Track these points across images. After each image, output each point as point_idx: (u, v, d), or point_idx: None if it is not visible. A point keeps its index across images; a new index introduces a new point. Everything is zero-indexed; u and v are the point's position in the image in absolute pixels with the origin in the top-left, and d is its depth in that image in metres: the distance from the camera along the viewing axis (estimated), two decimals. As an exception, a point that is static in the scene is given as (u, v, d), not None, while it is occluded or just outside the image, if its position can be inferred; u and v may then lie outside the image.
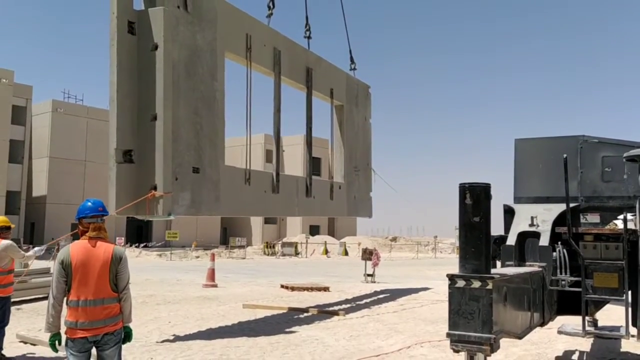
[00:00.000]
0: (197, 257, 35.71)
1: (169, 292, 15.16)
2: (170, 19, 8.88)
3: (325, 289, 16.10)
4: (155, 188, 8.57)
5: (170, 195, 8.69)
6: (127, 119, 8.68)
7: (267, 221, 51.20)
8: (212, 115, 9.92)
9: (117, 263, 4.33)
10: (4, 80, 37.55)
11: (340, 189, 14.60)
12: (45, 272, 16.08)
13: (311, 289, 15.97)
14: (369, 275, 19.29)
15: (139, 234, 47.43)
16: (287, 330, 9.59)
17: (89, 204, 4.48)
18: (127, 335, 4.48)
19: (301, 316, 11.23)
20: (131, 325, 4.53)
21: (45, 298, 13.37)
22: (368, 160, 16.70)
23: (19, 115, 39.56)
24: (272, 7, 12.22)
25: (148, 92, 8.75)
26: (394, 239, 57.75)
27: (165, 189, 8.60)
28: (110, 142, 8.62)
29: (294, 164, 47.31)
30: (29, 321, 10.38)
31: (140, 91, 8.84)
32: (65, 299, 4.26)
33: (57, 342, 4.31)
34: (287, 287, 16.19)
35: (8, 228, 7.45)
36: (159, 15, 8.78)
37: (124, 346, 4.50)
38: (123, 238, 39.29)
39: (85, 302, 4.21)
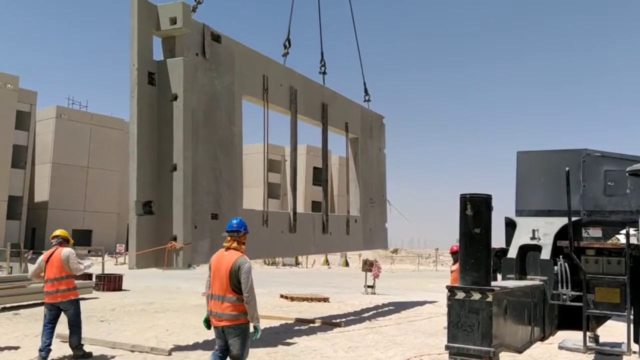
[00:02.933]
0: (199, 265, 35.59)
1: (168, 300, 15.10)
2: (189, 68, 8.90)
3: (325, 299, 16.01)
4: (175, 239, 8.50)
5: (190, 246, 8.65)
6: (147, 170, 8.62)
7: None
8: (230, 159, 9.94)
9: (237, 270, 5.23)
10: (9, 86, 37.72)
11: (356, 223, 14.53)
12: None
13: (311, 299, 15.89)
14: (369, 286, 19.21)
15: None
16: (286, 340, 9.52)
17: (234, 222, 5.59)
18: (255, 331, 5.36)
19: (300, 327, 11.15)
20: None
21: (44, 303, 13.38)
22: (383, 191, 16.65)
23: (23, 120, 39.70)
24: (288, 46, 12.38)
25: (167, 142, 8.71)
26: (395, 251, 57.54)
27: (185, 240, 8.54)
28: (130, 194, 8.57)
29: (298, 174, 47.20)
30: (26, 326, 10.31)
31: (160, 141, 8.78)
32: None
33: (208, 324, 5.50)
34: (286, 297, 16.11)
35: (67, 241, 7.78)
36: (178, 66, 8.77)
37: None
38: (124, 245, 39.25)
39: (213, 297, 5.34)
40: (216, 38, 9.69)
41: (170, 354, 8.16)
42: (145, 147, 8.59)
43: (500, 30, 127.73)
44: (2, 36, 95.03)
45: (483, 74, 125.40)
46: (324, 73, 13.77)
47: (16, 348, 8.33)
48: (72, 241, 7.99)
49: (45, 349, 7.26)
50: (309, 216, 13.11)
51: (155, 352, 8.22)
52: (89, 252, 36.20)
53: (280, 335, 9.98)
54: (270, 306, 14.40)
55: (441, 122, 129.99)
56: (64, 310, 7.51)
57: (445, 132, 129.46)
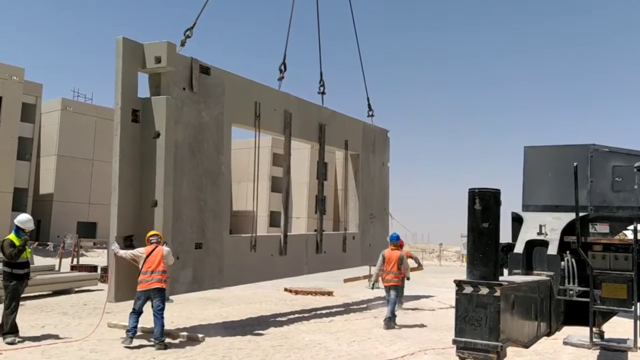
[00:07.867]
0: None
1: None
2: (174, 105, 8.94)
3: (329, 293, 16.04)
4: None
5: (169, 279, 8.75)
6: (129, 206, 8.69)
7: (272, 224, 51.24)
8: (217, 188, 9.96)
9: (401, 259, 10.89)
10: (15, 78, 37.72)
11: (354, 239, 14.36)
12: (50, 269, 16.14)
13: (315, 292, 15.95)
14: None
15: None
16: (290, 334, 9.54)
17: (394, 235, 11.42)
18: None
19: (304, 321, 11.18)
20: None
21: (50, 295, 13.50)
22: (385, 205, 16.42)
23: (29, 112, 39.65)
24: (283, 70, 12.27)
25: (150, 177, 8.79)
26: (399, 246, 57.38)
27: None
28: (111, 229, 8.63)
29: (300, 168, 47.41)
30: (31, 317, 10.38)
31: (142, 177, 8.85)
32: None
33: (374, 286, 13.38)
34: (290, 291, 16.16)
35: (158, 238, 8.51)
36: (161, 104, 8.83)
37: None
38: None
39: (387, 272, 10.90)
40: (205, 70, 9.74)
41: (203, 340, 8.52)
42: (127, 183, 8.68)
43: (507, 23, 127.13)
44: (8, 28, 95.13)
45: (489, 67, 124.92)
46: (323, 93, 13.68)
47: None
48: (162, 237, 8.63)
49: (130, 330, 8.24)
50: (302, 237, 13.14)
51: (189, 339, 8.64)
52: (94, 244, 36.29)
53: (284, 329, 10.01)
54: (275, 299, 14.44)
55: (447, 113, 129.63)
56: (153, 297, 8.32)
57: (452, 126, 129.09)
